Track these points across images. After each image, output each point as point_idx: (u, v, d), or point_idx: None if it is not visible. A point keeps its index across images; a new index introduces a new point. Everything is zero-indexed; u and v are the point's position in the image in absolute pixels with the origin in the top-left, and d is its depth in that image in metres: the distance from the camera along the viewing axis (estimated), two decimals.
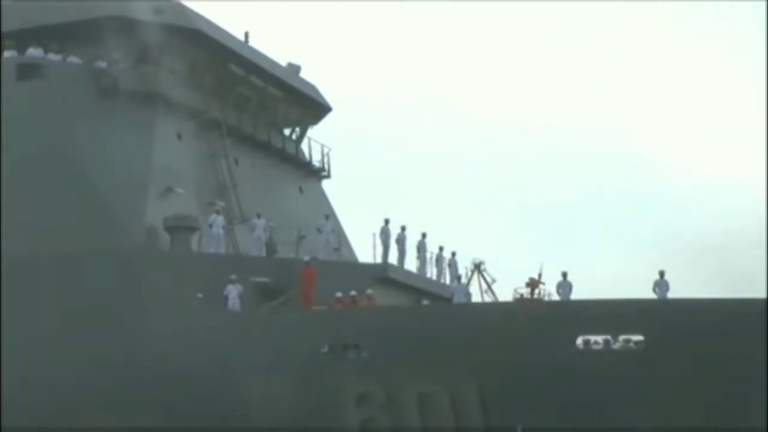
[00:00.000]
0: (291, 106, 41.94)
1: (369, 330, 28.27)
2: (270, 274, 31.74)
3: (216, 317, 30.26)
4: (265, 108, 40.51)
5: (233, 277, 30.95)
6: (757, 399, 26.15)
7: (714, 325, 26.19)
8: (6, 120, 34.13)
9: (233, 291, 30.86)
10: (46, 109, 34.38)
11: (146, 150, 34.36)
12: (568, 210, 73.73)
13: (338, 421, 28.16)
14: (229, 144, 37.52)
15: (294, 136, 42.94)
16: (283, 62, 41.84)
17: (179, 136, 36.08)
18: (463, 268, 39.09)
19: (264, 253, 34.56)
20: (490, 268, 43.46)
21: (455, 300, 33.34)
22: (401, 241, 34.40)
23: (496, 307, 33.53)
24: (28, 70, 34.99)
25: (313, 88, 43.04)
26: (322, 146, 43.57)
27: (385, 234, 34.06)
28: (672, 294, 30.88)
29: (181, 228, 32.98)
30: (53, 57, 35.62)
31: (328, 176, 43.80)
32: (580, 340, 27.29)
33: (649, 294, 30.97)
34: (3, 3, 36.79)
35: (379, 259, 33.71)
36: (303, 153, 42.96)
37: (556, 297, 32.79)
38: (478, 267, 43.06)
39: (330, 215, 38.94)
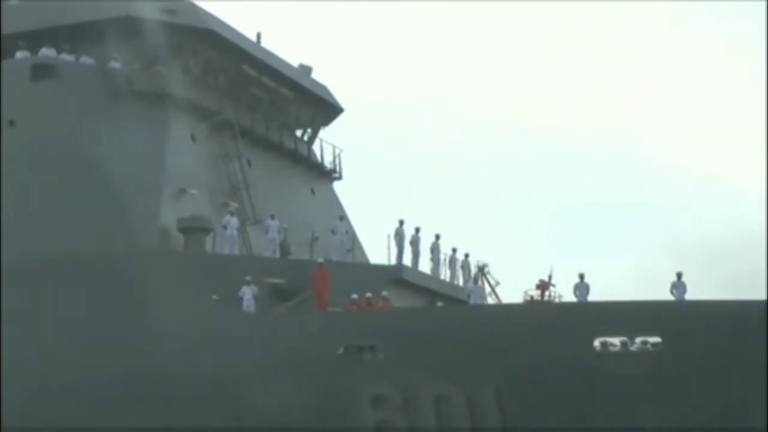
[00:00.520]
0: (303, 107, 41.92)
1: (385, 331, 28.15)
2: (285, 276, 31.64)
3: (231, 319, 30.18)
4: (277, 109, 40.50)
5: (248, 278, 30.86)
6: None
7: (731, 326, 26.05)
8: (18, 120, 34.09)
9: (248, 292, 30.77)
10: (60, 110, 34.30)
11: (159, 151, 34.30)
12: (568, 210, 73.87)
13: (354, 422, 27.99)
14: (242, 145, 37.45)
15: (306, 137, 42.90)
16: (295, 63, 41.81)
17: (192, 137, 36.03)
18: None
19: (278, 255, 34.44)
20: (491, 270, 43.42)
21: (472, 301, 33.19)
22: (415, 243, 34.21)
23: (512, 308, 33.37)
24: (41, 71, 34.97)
25: (324, 89, 42.99)
26: (334, 147, 43.57)
27: (399, 235, 33.85)
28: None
29: (195, 229, 32.96)
30: (66, 57, 35.60)
31: (340, 178, 43.72)
32: (597, 342, 27.19)
33: (666, 295, 30.89)
34: (12, 3, 36.81)
35: (392, 261, 33.61)
36: (315, 154, 42.90)
37: (569, 299, 32.67)
38: (481, 270, 42.90)
39: (343, 216, 38.88)
